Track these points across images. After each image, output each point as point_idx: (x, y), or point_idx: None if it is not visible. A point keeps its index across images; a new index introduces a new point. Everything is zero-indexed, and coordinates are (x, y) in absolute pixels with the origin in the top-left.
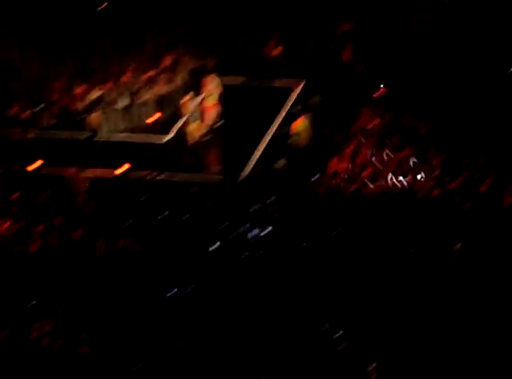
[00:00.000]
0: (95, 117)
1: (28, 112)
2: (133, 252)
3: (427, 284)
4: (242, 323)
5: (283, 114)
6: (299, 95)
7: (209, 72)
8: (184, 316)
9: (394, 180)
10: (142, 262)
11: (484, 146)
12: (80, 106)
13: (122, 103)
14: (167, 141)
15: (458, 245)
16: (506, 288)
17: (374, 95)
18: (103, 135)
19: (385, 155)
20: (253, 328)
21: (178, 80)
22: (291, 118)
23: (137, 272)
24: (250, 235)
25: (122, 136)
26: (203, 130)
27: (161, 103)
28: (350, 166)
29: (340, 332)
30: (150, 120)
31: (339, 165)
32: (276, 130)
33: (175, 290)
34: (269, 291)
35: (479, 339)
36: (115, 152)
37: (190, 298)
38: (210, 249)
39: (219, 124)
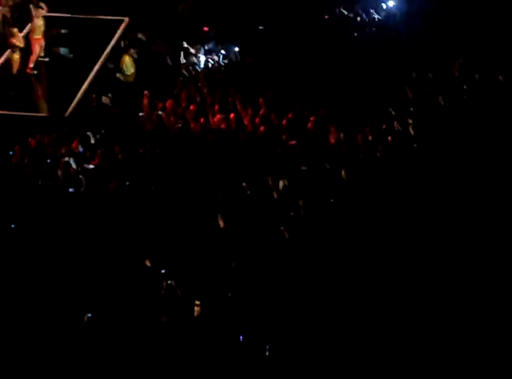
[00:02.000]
0: None
1: None
2: None
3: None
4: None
5: (109, 49)
6: (124, 31)
7: (35, 5)
8: None
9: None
10: None
11: (310, 85)
12: None
13: None
14: None
15: (283, 182)
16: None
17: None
18: None
19: (209, 93)
20: None
21: (2, 13)
22: (116, 54)
23: None
24: (74, 171)
25: None
26: (29, 64)
27: None
28: (176, 103)
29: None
30: None
31: (166, 101)
32: (102, 66)
33: None
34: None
35: None
36: None
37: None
38: (35, 185)
39: (45, 59)
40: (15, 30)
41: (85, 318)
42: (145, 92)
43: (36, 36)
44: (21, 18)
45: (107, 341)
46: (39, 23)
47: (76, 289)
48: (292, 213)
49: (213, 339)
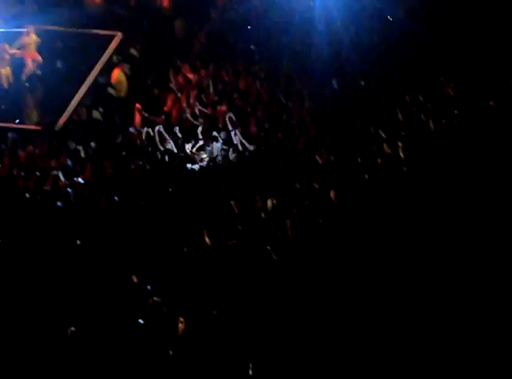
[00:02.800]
0: None
1: None
2: None
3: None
4: None
5: (101, 64)
6: (117, 46)
7: (26, 20)
8: None
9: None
10: None
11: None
12: None
13: None
14: None
15: (271, 201)
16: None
17: (193, 50)
18: None
19: (199, 110)
20: None
21: None
22: (108, 68)
23: None
24: (63, 184)
25: None
26: (20, 78)
27: None
28: (164, 119)
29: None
30: None
31: (154, 118)
32: (94, 80)
33: None
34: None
35: None
36: None
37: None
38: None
39: (36, 72)
40: (5, 46)
41: (69, 331)
42: (137, 106)
43: (28, 51)
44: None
45: (91, 356)
46: (31, 38)
47: (61, 302)
48: (280, 233)
49: (198, 356)
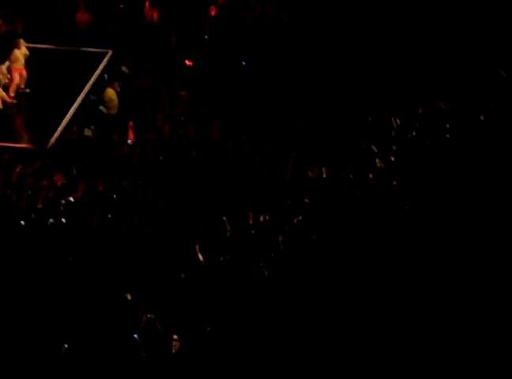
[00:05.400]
0: None
1: None
2: None
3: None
4: None
5: (92, 82)
6: (108, 64)
7: (17, 37)
8: None
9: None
10: None
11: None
12: None
13: None
14: None
15: (263, 217)
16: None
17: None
18: None
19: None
20: None
21: None
22: (99, 86)
23: None
24: (59, 202)
25: None
26: (9, 96)
27: None
28: (159, 135)
29: None
30: None
31: (148, 134)
32: (85, 98)
33: None
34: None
35: None
36: None
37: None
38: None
39: (26, 90)
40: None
41: (63, 348)
42: (130, 123)
43: (17, 66)
44: (6, 48)
45: (84, 373)
46: (20, 53)
47: (55, 319)
48: (272, 249)
49: (191, 372)
